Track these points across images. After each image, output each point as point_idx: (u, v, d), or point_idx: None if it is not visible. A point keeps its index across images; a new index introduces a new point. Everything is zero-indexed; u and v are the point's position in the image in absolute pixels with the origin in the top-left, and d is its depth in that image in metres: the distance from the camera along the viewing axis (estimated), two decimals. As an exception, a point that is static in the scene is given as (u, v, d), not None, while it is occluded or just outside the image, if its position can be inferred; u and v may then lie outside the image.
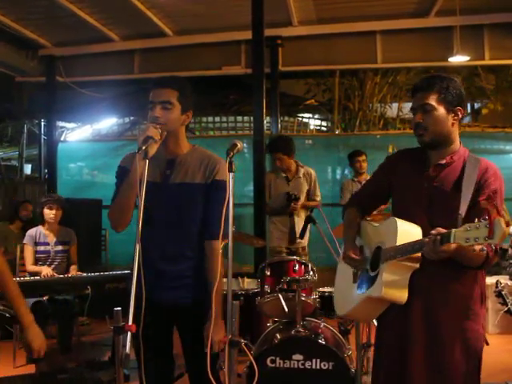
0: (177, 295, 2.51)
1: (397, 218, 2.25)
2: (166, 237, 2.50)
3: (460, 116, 2.31)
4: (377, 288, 2.21)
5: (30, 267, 5.05)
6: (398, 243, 2.17)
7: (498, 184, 2.24)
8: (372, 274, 2.30)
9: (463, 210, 2.20)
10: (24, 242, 5.15)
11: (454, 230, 1.95)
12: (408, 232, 2.20)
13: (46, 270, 4.92)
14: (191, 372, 2.63)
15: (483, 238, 1.86)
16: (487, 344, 2.34)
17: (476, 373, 2.25)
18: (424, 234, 2.16)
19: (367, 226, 2.53)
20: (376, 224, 2.50)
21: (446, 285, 2.23)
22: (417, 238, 2.17)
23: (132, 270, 2.57)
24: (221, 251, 2.52)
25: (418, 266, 2.17)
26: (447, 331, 2.21)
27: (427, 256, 2.06)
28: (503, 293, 2.63)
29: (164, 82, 2.49)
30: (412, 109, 2.35)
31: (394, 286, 2.18)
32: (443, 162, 2.30)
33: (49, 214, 5.09)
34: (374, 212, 4.55)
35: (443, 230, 2.00)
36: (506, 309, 2.59)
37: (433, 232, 2.02)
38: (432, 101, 2.25)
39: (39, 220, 5.25)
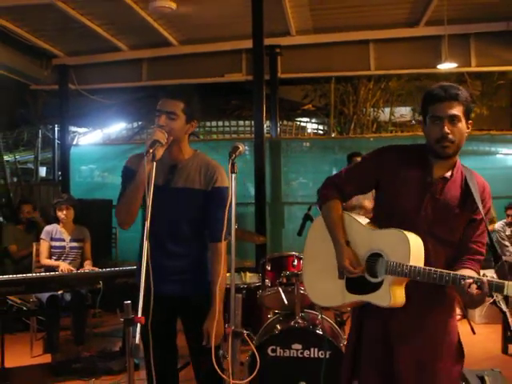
0: (176, 289, 2.54)
1: (406, 233, 2.08)
2: (166, 235, 2.53)
3: (470, 129, 2.16)
4: (384, 298, 2.10)
5: (45, 261, 5.07)
6: (411, 262, 2.04)
7: (490, 202, 2.22)
8: (372, 280, 2.16)
9: (463, 224, 2.18)
10: (41, 237, 5.17)
11: (506, 282, 1.85)
12: (418, 250, 2.09)
13: (64, 265, 4.93)
14: (194, 362, 2.65)
15: None
16: (474, 333, 2.35)
17: (458, 358, 2.24)
18: (424, 243, 2.10)
19: (356, 223, 2.32)
20: (368, 226, 2.30)
21: (434, 287, 2.15)
22: (421, 255, 2.08)
23: (137, 265, 2.61)
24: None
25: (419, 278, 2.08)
26: (435, 329, 2.19)
27: (468, 298, 1.92)
28: (489, 285, 2.62)
29: (173, 93, 2.49)
30: (436, 117, 2.10)
31: (398, 295, 2.10)
32: (448, 175, 2.17)
33: (60, 215, 5.12)
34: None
35: (491, 280, 1.90)
36: (491, 300, 2.59)
37: (484, 280, 1.89)
38: (459, 112, 2.08)
39: (52, 219, 5.27)
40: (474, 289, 1.90)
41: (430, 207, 2.16)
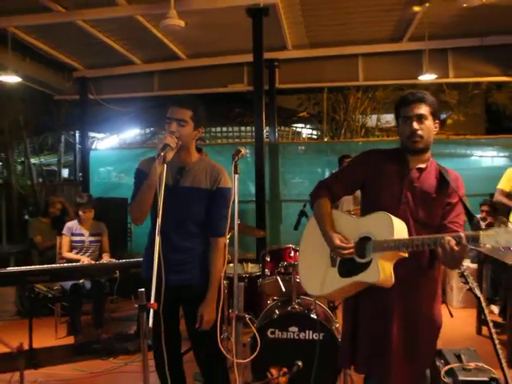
0: (180, 279, 2.52)
1: (388, 214, 2.11)
2: (173, 231, 2.51)
3: (437, 128, 2.24)
4: (373, 274, 2.08)
5: (66, 254, 5.09)
6: (395, 237, 2.05)
7: (464, 190, 2.25)
8: (361, 261, 2.14)
9: (441, 208, 2.20)
10: (63, 232, 5.18)
11: (481, 232, 1.86)
12: (401, 227, 2.10)
13: (85, 260, 4.94)
14: (195, 346, 2.64)
15: None
16: (452, 316, 2.35)
17: (436, 338, 2.27)
18: (408, 228, 2.11)
19: (343, 216, 2.35)
20: (355, 216, 2.35)
21: (420, 272, 2.20)
22: (405, 233, 2.08)
23: (144, 257, 2.61)
24: (227, 242, 2.55)
25: (406, 255, 2.08)
26: (420, 310, 2.20)
27: (449, 255, 1.93)
28: (465, 274, 2.62)
29: (182, 102, 2.49)
30: (405, 117, 2.20)
31: (387, 273, 2.08)
32: (423, 166, 2.24)
33: (83, 216, 5.14)
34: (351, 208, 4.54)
35: (467, 233, 1.92)
36: (467, 287, 2.59)
37: (461, 235, 1.92)
38: (426, 112, 2.17)
39: (72, 216, 5.29)
40: (453, 244, 1.92)
41: (410, 194, 2.21)
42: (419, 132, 2.17)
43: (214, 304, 2.46)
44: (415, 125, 2.17)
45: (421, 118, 2.17)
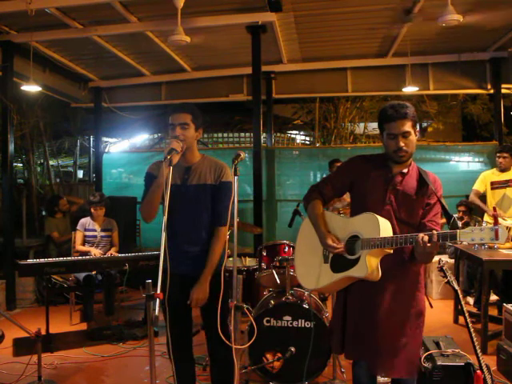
0: (195, 268, 2.49)
1: (375, 214, 2.10)
2: (187, 225, 2.51)
3: (417, 135, 2.21)
4: (362, 270, 2.06)
5: (79, 247, 5.08)
6: (381, 235, 2.03)
7: (442, 190, 2.24)
8: (351, 257, 2.13)
9: (421, 208, 2.19)
10: (77, 228, 5.17)
11: (458, 230, 1.87)
12: (386, 226, 2.09)
13: (94, 251, 4.93)
14: (206, 327, 2.62)
15: (489, 238, 1.80)
16: (431, 307, 2.34)
17: (421, 325, 2.24)
18: (392, 227, 2.11)
19: (334, 217, 2.32)
20: (345, 216, 2.34)
21: (403, 266, 2.19)
22: (389, 232, 2.07)
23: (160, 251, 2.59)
24: (228, 236, 2.53)
25: (391, 251, 2.07)
26: (404, 299, 2.19)
27: (420, 249, 1.96)
28: (444, 268, 2.61)
29: (181, 107, 2.52)
30: (391, 134, 2.14)
31: (374, 268, 2.07)
32: (405, 171, 2.22)
33: (95, 213, 5.12)
34: (339, 206, 4.53)
35: (443, 231, 1.93)
36: (446, 281, 2.58)
37: (438, 232, 1.93)
38: (409, 128, 2.12)
39: (79, 203, 5.31)
40: (426, 240, 1.94)
41: (393, 196, 2.20)
42: (405, 148, 2.14)
43: (205, 285, 2.42)
44: (401, 142, 2.13)
45: (405, 135, 2.13)
